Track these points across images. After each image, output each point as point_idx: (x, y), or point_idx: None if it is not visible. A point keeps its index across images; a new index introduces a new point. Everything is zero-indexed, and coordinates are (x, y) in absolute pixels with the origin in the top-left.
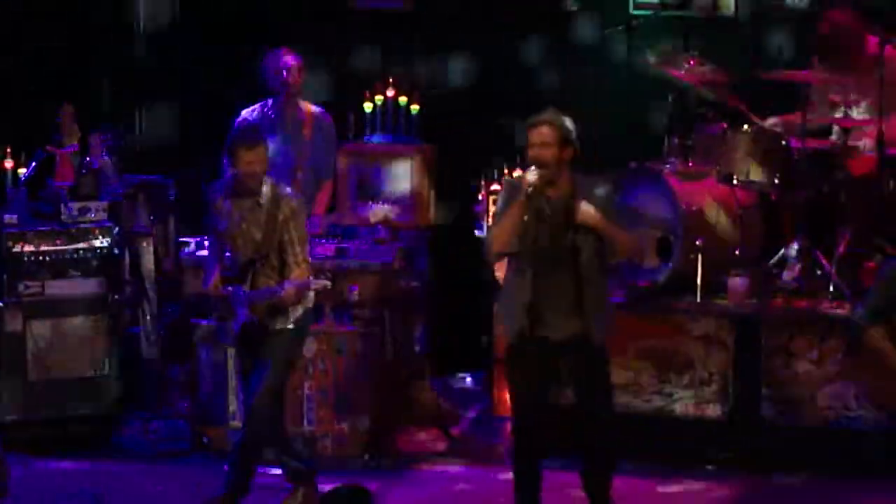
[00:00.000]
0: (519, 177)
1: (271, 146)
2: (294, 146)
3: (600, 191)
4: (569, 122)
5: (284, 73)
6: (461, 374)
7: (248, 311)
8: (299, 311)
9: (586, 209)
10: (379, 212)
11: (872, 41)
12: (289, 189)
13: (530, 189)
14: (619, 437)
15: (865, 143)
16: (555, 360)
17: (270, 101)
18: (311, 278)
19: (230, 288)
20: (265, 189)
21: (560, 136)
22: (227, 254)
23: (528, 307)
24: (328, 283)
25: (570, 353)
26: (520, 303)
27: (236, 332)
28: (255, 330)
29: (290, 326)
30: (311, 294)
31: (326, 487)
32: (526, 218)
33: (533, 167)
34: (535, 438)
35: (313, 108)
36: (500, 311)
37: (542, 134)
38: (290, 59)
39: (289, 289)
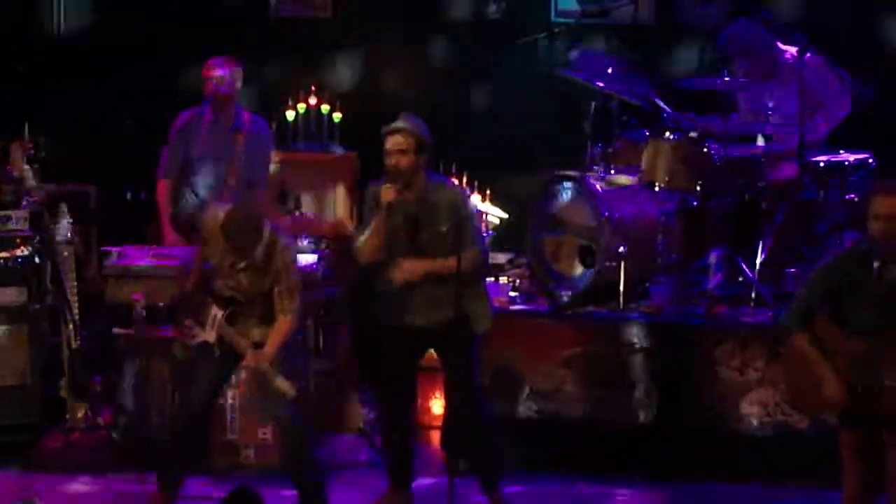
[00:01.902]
0: (379, 187)
1: (204, 151)
2: (225, 152)
3: (451, 194)
4: (423, 128)
5: (212, 82)
6: None
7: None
8: None
9: (408, 270)
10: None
11: (788, 48)
12: (286, 238)
13: (387, 205)
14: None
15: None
16: (420, 345)
17: (205, 106)
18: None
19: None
20: (264, 236)
21: (415, 143)
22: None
23: (392, 300)
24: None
25: (434, 340)
26: (386, 297)
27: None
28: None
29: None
30: None
31: None
32: (388, 226)
33: (388, 181)
34: (401, 415)
35: (248, 116)
36: (359, 303)
37: (398, 142)
38: (218, 69)
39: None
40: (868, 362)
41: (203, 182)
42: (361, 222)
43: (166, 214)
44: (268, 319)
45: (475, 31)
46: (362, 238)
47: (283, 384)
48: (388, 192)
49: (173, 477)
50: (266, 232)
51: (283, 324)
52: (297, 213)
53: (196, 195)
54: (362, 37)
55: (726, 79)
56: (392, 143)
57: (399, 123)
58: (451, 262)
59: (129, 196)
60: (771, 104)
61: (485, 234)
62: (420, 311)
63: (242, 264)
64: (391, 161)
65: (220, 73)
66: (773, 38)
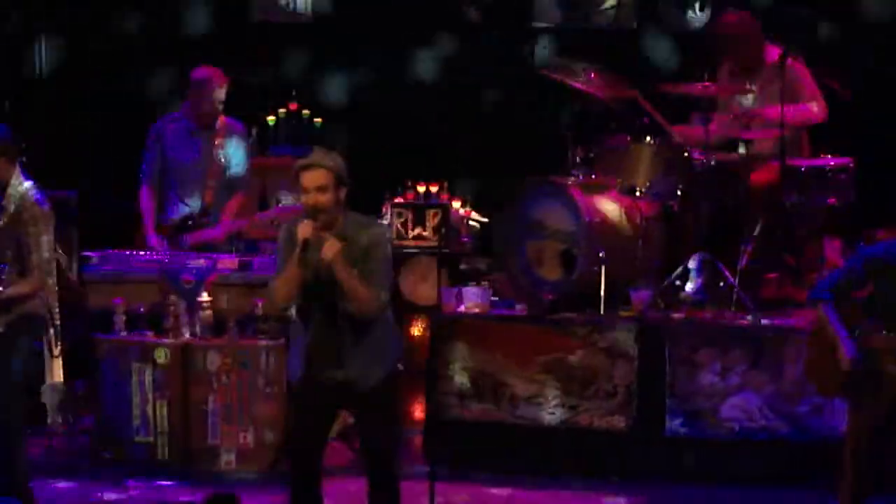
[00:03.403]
0: (295, 222)
1: (182, 155)
2: (204, 156)
3: (371, 233)
4: (340, 161)
5: (196, 89)
6: None
7: None
8: (13, 315)
9: (330, 245)
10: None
11: (773, 50)
12: (38, 194)
13: (303, 242)
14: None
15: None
16: (334, 401)
17: (183, 111)
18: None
19: None
20: (12, 192)
21: (335, 178)
22: None
23: (308, 351)
24: None
25: (357, 394)
26: (304, 347)
27: None
28: None
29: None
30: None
31: None
32: (306, 262)
33: (305, 218)
34: (310, 464)
35: (226, 119)
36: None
37: (316, 178)
38: (199, 78)
39: None
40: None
41: (183, 186)
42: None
43: (150, 219)
44: None
45: (455, 36)
46: (275, 280)
47: None
48: (305, 229)
49: None
50: (24, 183)
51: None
52: (281, 205)
53: (179, 200)
54: (343, 41)
55: (707, 84)
56: (309, 179)
57: (315, 158)
58: (363, 290)
59: (109, 201)
60: (750, 108)
61: (389, 282)
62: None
63: None
64: (309, 199)
65: (204, 79)
66: (762, 35)
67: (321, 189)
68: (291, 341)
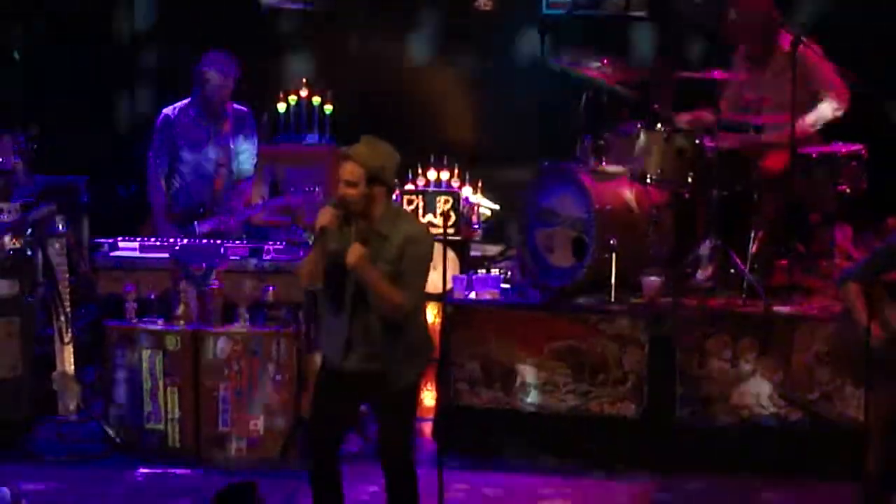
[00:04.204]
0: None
1: (191, 143)
2: (214, 144)
3: (408, 231)
4: (381, 156)
5: (204, 77)
6: None
7: None
8: None
9: (353, 251)
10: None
11: (786, 38)
12: None
13: (320, 230)
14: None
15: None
16: (357, 393)
17: (192, 99)
18: None
19: None
20: None
21: (367, 175)
22: None
23: (341, 342)
24: None
25: (370, 389)
26: (331, 336)
27: None
28: None
29: None
30: None
31: None
32: (330, 250)
33: (334, 206)
34: (328, 450)
35: (235, 106)
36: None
37: (347, 171)
38: (211, 66)
39: None
40: None
41: (194, 174)
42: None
43: (160, 207)
44: None
45: (467, 22)
46: (302, 261)
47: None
48: (324, 217)
49: None
50: None
51: None
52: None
53: (189, 188)
54: (352, 28)
55: (716, 72)
56: (343, 170)
57: (352, 151)
58: (389, 294)
59: (120, 188)
60: (762, 95)
61: (423, 283)
62: (353, 355)
63: None
64: (340, 190)
65: (213, 70)
66: (775, 21)
67: (350, 183)
68: (321, 322)
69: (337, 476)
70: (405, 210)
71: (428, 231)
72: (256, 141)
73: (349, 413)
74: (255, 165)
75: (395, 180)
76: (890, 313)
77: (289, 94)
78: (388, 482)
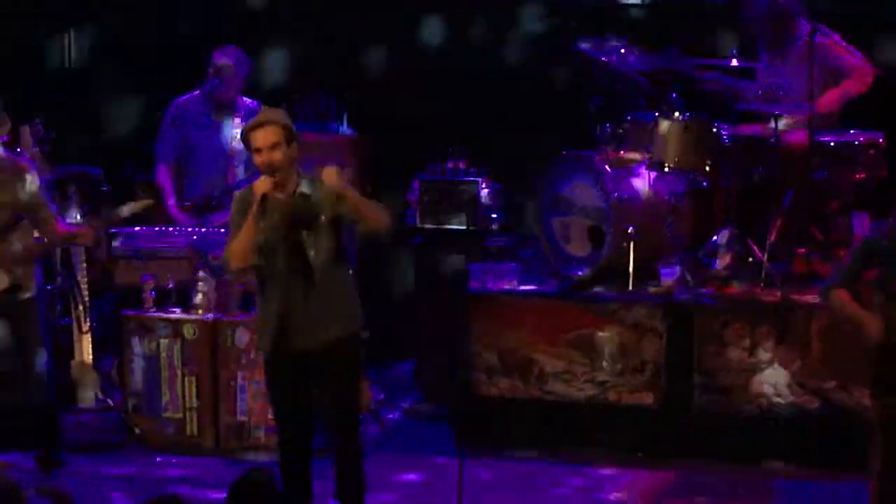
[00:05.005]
0: (245, 190)
1: (202, 135)
2: (226, 136)
3: (325, 185)
4: (286, 116)
5: (217, 68)
6: (395, 363)
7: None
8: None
9: (328, 173)
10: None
11: (804, 27)
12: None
13: (262, 198)
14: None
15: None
16: (309, 368)
17: (203, 91)
18: None
19: None
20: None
21: (286, 134)
22: None
23: (279, 318)
24: None
25: (321, 358)
26: (272, 314)
27: None
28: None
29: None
30: None
31: None
32: (262, 225)
33: (262, 175)
34: (297, 440)
35: (247, 101)
36: (256, 322)
37: (268, 135)
38: (223, 58)
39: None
40: None
41: (206, 166)
42: (232, 227)
43: (171, 197)
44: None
45: (484, 11)
46: (230, 244)
47: None
48: (263, 185)
49: None
50: None
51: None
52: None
53: (200, 180)
54: (367, 16)
55: (734, 62)
56: (260, 139)
57: (264, 116)
58: (373, 204)
59: (137, 178)
60: (782, 83)
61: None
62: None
63: None
64: (262, 158)
65: (226, 61)
66: (801, 10)
67: (274, 146)
68: (258, 314)
69: (308, 470)
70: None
71: (335, 171)
72: None
73: (306, 398)
74: None
75: None
76: (890, 312)
77: (305, 84)
78: (336, 454)
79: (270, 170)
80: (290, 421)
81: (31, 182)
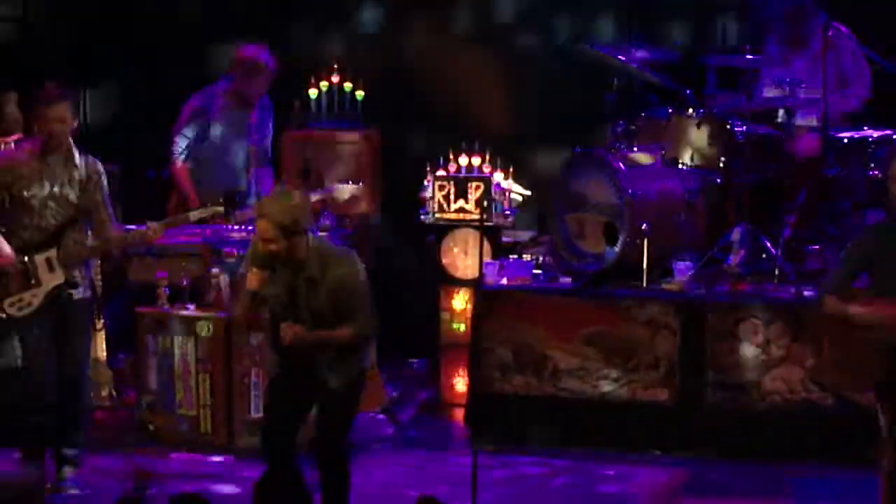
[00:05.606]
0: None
1: (220, 131)
2: (247, 133)
3: (337, 274)
4: (291, 211)
5: (247, 69)
6: (409, 361)
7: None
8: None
9: (285, 332)
10: (344, 189)
11: (819, 23)
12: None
13: (252, 296)
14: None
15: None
16: (307, 394)
17: (221, 86)
18: None
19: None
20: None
21: (281, 231)
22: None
23: (280, 362)
24: None
25: (316, 393)
26: (273, 358)
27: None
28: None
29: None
30: None
31: None
32: (270, 295)
33: (256, 264)
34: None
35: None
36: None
37: (262, 230)
38: (255, 56)
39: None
40: None
41: (228, 162)
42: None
43: (192, 193)
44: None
45: (498, 7)
46: (236, 306)
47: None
48: (252, 281)
49: None
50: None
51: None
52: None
53: (222, 176)
54: (383, 11)
55: (749, 56)
56: (259, 230)
57: (261, 209)
58: (340, 337)
59: (152, 175)
60: (795, 79)
61: (368, 304)
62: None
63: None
64: (262, 247)
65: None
66: (816, 7)
67: (269, 241)
68: (265, 337)
69: (295, 464)
70: (326, 244)
71: (352, 260)
72: (270, 128)
73: (305, 412)
74: (268, 153)
75: (312, 221)
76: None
77: (320, 80)
78: (322, 476)
79: (267, 259)
80: (278, 431)
81: (97, 183)
